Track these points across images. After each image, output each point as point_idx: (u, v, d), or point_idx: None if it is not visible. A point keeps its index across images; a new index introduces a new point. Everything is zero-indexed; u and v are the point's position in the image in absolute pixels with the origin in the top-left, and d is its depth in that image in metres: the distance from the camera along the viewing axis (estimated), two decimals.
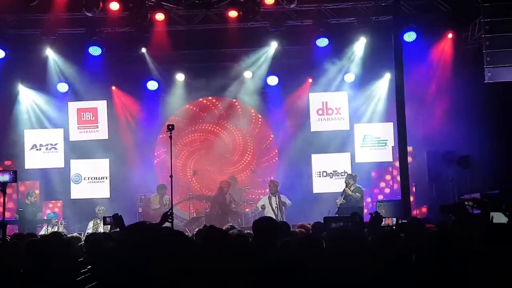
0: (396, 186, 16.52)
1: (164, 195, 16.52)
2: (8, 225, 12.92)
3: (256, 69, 18.16)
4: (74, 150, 18.83)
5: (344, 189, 16.11)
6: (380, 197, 16.97)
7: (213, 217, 16.03)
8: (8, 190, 12.98)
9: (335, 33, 16.73)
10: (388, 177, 17.47)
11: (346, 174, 17.32)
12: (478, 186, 14.75)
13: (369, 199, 16.94)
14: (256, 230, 6.22)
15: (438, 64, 17.14)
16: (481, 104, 15.81)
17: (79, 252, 7.40)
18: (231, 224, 11.07)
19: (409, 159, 14.48)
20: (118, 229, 7.60)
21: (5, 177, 9.56)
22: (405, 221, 10.66)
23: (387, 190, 17.23)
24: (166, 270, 4.53)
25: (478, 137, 15.39)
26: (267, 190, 16.64)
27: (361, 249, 5.51)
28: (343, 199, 15.93)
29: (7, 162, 17.19)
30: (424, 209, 15.97)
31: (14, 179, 9.80)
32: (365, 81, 18.24)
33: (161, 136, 18.45)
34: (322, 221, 9.98)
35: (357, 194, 15.96)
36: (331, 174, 18.54)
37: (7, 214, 14.02)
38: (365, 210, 15.37)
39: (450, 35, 16.96)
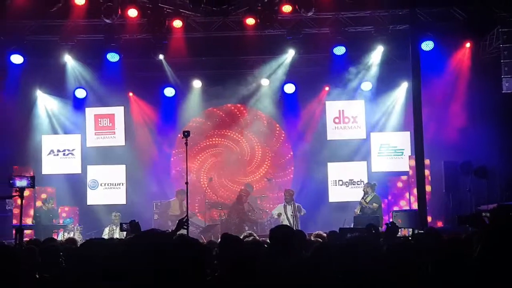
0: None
1: (183, 200, 16.48)
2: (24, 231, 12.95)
3: (273, 76, 18.18)
4: (91, 156, 18.92)
5: (360, 200, 16.07)
6: None
7: (229, 225, 16.02)
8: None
9: (352, 42, 16.68)
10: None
11: (362, 183, 17.26)
12: (496, 196, 14.65)
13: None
14: (272, 238, 6.22)
15: (456, 73, 17.05)
16: (498, 114, 15.74)
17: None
18: (249, 232, 11.05)
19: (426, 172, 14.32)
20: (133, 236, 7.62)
21: (23, 183, 9.60)
22: (422, 231, 10.61)
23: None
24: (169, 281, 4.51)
25: (496, 147, 15.30)
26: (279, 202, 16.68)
27: (376, 259, 5.49)
28: (360, 210, 15.90)
29: None
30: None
31: (32, 184, 9.83)
32: (382, 90, 18.20)
33: (179, 135, 18.27)
34: (338, 231, 9.94)
35: (374, 204, 15.90)
36: (347, 183, 18.47)
37: None
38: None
39: (468, 45, 16.89)
